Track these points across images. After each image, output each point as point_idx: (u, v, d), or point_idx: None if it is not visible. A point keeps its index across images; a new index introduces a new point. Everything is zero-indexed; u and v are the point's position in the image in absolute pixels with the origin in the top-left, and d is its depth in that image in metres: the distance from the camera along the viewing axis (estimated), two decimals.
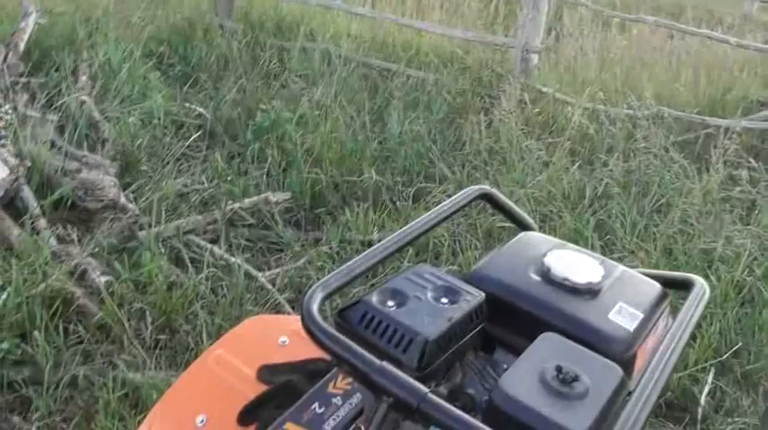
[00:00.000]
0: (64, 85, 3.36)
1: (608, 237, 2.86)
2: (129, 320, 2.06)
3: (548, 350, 0.79)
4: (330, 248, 2.60)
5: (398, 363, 0.77)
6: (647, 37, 5.38)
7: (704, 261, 2.53)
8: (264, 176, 3.12)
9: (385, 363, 0.72)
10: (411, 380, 0.70)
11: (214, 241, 2.57)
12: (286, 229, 2.76)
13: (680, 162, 3.37)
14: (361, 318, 0.83)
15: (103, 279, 2.13)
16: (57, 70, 3.62)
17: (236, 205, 2.71)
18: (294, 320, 1.30)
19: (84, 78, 3.55)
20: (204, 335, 2.05)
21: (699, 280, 0.94)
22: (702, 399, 2.07)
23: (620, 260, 2.64)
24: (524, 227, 1.16)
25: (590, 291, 0.92)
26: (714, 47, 4.88)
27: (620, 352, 0.84)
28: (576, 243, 2.72)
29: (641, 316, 0.89)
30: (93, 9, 4.41)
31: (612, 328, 0.86)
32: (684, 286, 0.95)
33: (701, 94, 4.42)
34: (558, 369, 0.74)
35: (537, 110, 3.93)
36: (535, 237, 1.09)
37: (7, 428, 1.79)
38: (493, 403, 0.73)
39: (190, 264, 2.39)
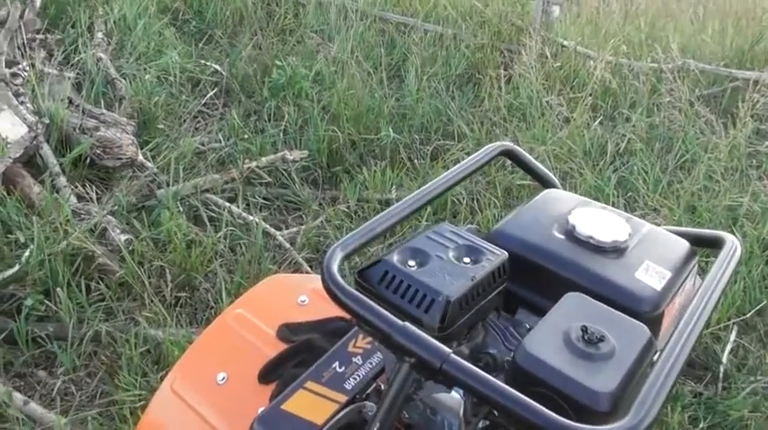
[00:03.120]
0: (80, 41, 3.33)
1: (630, 194, 2.81)
2: (149, 278, 2.08)
3: (573, 310, 0.77)
4: (348, 207, 2.59)
5: (420, 324, 0.75)
6: None
7: (729, 218, 2.48)
8: (281, 134, 3.09)
9: (407, 324, 0.71)
10: (433, 341, 0.69)
11: (232, 199, 2.57)
12: (303, 188, 2.75)
13: (706, 116, 3.28)
14: (381, 277, 0.82)
15: (123, 237, 2.14)
16: (73, 26, 3.58)
17: (254, 163, 2.70)
18: (313, 279, 1.30)
19: (99, 35, 3.51)
20: (224, 293, 2.06)
21: (730, 237, 0.91)
22: (725, 358, 2.05)
23: (642, 217, 2.61)
24: (547, 184, 1.13)
25: (616, 250, 0.89)
26: None
27: (647, 311, 0.82)
28: (598, 200, 2.70)
29: (669, 274, 0.87)
30: None
31: (639, 288, 0.84)
32: (715, 244, 0.92)
33: (728, 45, 4.27)
34: (584, 329, 0.73)
35: (558, 64, 3.82)
36: (559, 194, 1.06)
37: (33, 382, 1.84)
38: (516, 363, 0.72)
39: (208, 223, 2.39)
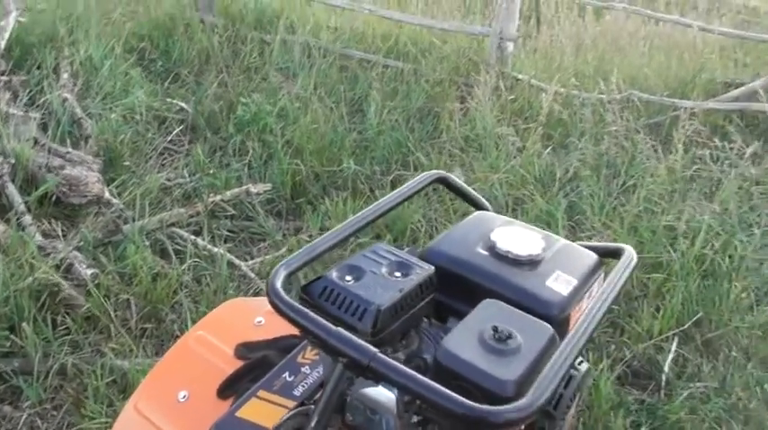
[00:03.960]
0: (46, 82, 3.41)
1: (578, 217, 2.96)
2: (115, 311, 2.14)
3: (487, 313, 0.88)
4: (310, 237, 2.69)
5: (355, 330, 0.86)
6: (621, 23, 5.50)
7: (668, 237, 2.65)
8: (246, 168, 3.19)
9: (339, 328, 0.81)
10: (362, 342, 0.80)
11: (197, 233, 2.65)
12: (267, 219, 2.84)
13: (648, 143, 3.49)
14: (321, 291, 0.92)
15: (89, 271, 2.20)
16: (38, 68, 3.65)
17: (218, 197, 2.79)
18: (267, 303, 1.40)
19: (65, 76, 3.59)
20: (189, 323, 2.13)
21: (628, 248, 1.04)
22: (666, 367, 2.18)
23: (588, 239, 2.76)
24: (479, 207, 1.25)
25: (531, 262, 1.01)
26: (687, 31, 5.00)
27: (556, 314, 0.94)
28: (548, 224, 2.85)
29: (576, 282, 0.99)
30: (73, 6, 4.43)
31: (549, 294, 0.96)
32: (616, 254, 1.04)
33: (671, 77, 4.54)
34: (495, 328, 0.84)
35: (512, 97, 4.02)
36: (486, 215, 1.18)
37: None
38: (437, 360, 0.83)
39: (174, 256, 2.46)
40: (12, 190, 2.56)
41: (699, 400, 2.02)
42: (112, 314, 2.10)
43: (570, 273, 1.00)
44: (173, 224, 2.63)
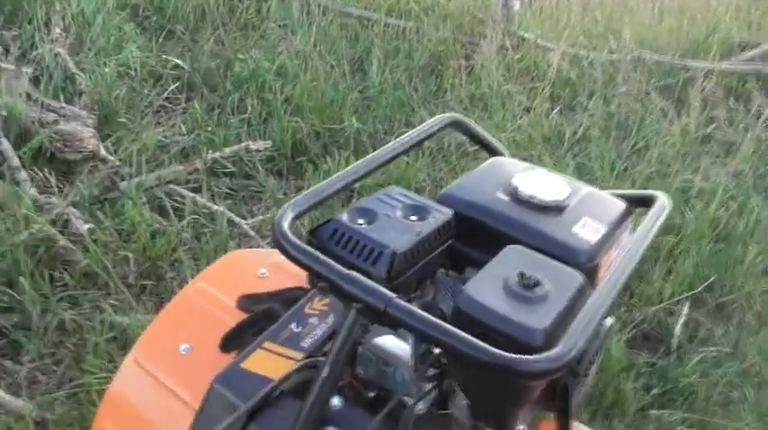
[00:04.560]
0: (37, 36, 3.29)
1: (587, 178, 2.89)
2: (114, 267, 2.08)
3: (512, 260, 0.82)
4: None
5: (368, 276, 0.79)
6: None
7: (681, 199, 2.58)
8: (245, 126, 3.10)
9: (352, 272, 0.75)
10: (378, 286, 0.73)
11: (196, 190, 2.57)
12: (267, 178, 2.77)
13: (660, 105, 3.40)
14: (331, 234, 0.85)
15: (86, 226, 2.13)
16: (29, 22, 3.52)
17: (217, 154, 2.71)
18: (273, 253, 1.33)
19: (57, 30, 3.46)
20: (189, 280, 2.07)
21: (660, 195, 0.97)
22: (677, 330, 2.14)
23: None
24: (495, 153, 1.18)
25: (556, 208, 0.95)
26: None
27: (583, 262, 0.88)
28: None
29: (604, 229, 0.93)
30: None
31: (576, 241, 0.90)
32: (647, 202, 0.98)
33: (683, 37, 4.42)
34: (521, 275, 0.77)
35: (518, 56, 3.91)
36: (505, 161, 1.11)
37: None
38: (458, 307, 0.77)
39: (172, 213, 2.40)
40: (5, 144, 2.47)
41: (711, 364, 1.99)
42: (111, 270, 2.04)
43: (598, 219, 0.94)
44: (171, 181, 2.56)
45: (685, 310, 2.24)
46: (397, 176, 2.70)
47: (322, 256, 0.77)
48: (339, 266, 0.75)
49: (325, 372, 0.77)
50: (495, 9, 4.32)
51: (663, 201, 0.96)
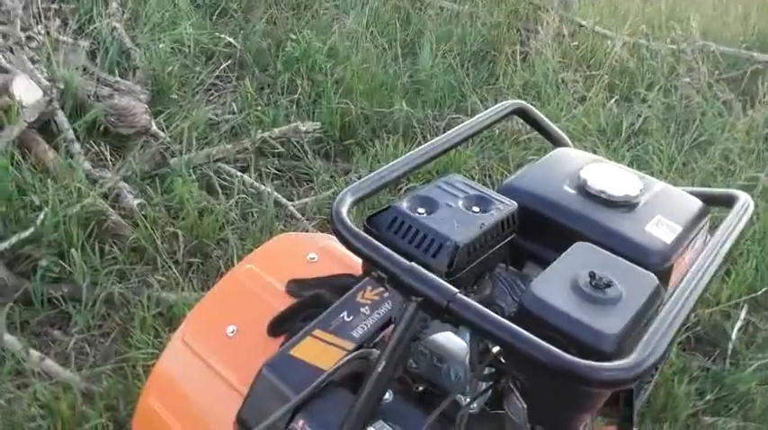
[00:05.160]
0: (95, 11, 3.33)
1: (644, 172, 2.77)
2: (162, 243, 2.10)
3: (581, 258, 0.77)
4: (359, 178, 2.59)
5: (428, 268, 0.76)
6: None
7: None
8: (294, 107, 3.08)
9: (414, 264, 0.71)
10: (441, 280, 0.70)
11: (244, 169, 2.58)
12: (315, 160, 2.75)
13: (724, 98, 3.24)
14: (390, 223, 0.82)
15: (136, 202, 2.16)
16: None
17: (266, 134, 2.70)
18: (323, 237, 1.31)
19: (114, 5, 3.50)
20: (235, 260, 2.07)
21: (743, 195, 0.91)
22: (733, 334, 2.04)
23: None
24: (559, 143, 1.12)
25: (627, 204, 0.89)
26: None
27: (656, 263, 0.82)
28: None
29: (679, 229, 0.86)
30: None
31: (649, 240, 0.84)
32: (728, 202, 0.91)
33: (750, 29, 4.20)
34: (592, 274, 0.73)
35: (575, 43, 3.78)
36: (571, 152, 1.06)
37: (48, 341, 1.87)
38: (523, 306, 0.72)
39: (220, 191, 2.40)
40: (61, 116, 2.51)
41: None
42: (159, 246, 2.06)
43: (673, 218, 0.88)
44: (220, 159, 2.57)
45: (743, 314, 2.13)
46: (445, 163, 2.64)
47: (383, 247, 0.73)
48: (401, 258, 0.72)
49: (380, 367, 0.74)
50: None
51: (745, 201, 0.89)
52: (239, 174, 2.50)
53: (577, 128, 3.01)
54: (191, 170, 2.43)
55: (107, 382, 1.69)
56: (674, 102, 3.28)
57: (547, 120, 1.13)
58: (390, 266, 0.72)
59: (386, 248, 0.73)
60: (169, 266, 2.04)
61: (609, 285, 0.72)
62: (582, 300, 0.71)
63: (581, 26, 3.98)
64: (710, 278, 0.75)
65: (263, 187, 2.44)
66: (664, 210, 0.89)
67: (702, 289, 0.73)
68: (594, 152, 2.85)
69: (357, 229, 0.76)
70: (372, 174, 0.85)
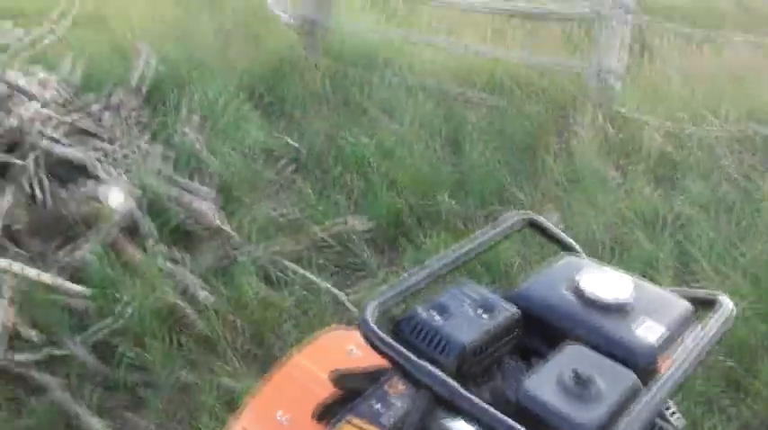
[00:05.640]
0: (172, 120, 3.76)
1: (686, 260, 2.83)
2: (226, 334, 2.31)
3: (568, 357, 0.91)
4: (404, 268, 2.77)
5: (439, 364, 0.92)
6: (739, 54, 5.20)
7: None
8: (347, 201, 3.34)
9: (423, 361, 0.88)
10: (446, 377, 0.86)
11: (301, 262, 2.81)
12: (366, 252, 2.96)
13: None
14: (412, 328, 0.99)
15: (204, 294, 2.40)
16: (167, 106, 4.04)
17: (321, 229, 2.95)
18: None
19: (189, 114, 3.94)
20: (292, 349, 2.25)
21: (724, 298, 1.03)
22: None
23: (699, 285, 2.61)
24: (569, 250, 1.28)
25: (619, 308, 1.03)
26: None
27: (642, 364, 0.95)
28: (651, 267, 2.74)
29: (666, 331, 0.99)
30: (198, 52, 4.88)
31: (636, 342, 0.97)
32: (709, 304, 1.03)
33: None
34: (575, 372, 0.87)
35: (615, 132, 3.93)
36: (575, 259, 1.21)
37: (123, 423, 2.08)
38: (518, 401, 0.87)
39: (280, 284, 2.63)
40: (143, 218, 2.84)
41: None
42: (224, 337, 2.28)
43: (660, 321, 1.01)
44: (279, 254, 2.81)
45: None
46: (488, 256, 2.78)
47: (399, 347, 0.91)
48: (413, 357, 0.89)
49: None
50: (590, 86, 4.37)
51: (726, 305, 1.02)
52: (297, 267, 2.73)
53: (618, 217, 3.11)
54: (253, 265, 2.67)
55: None
56: (719, 188, 3.34)
57: (556, 229, 1.29)
58: (404, 363, 0.89)
59: (402, 349, 0.90)
60: (232, 356, 2.24)
61: (590, 381, 0.86)
62: (566, 395, 0.85)
63: (620, 114, 4.14)
64: (683, 375, 0.88)
65: (318, 280, 2.65)
66: (652, 314, 1.02)
67: (674, 385, 0.86)
68: (636, 241, 2.94)
69: (380, 334, 0.93)
70: (394, 285, 1.04)
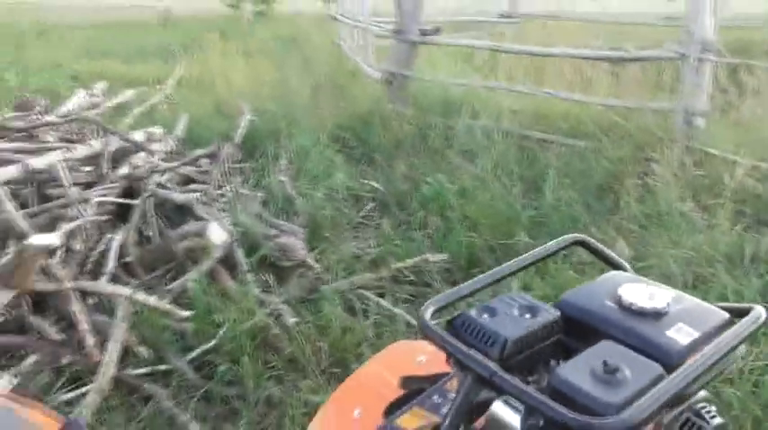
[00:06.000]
0: (268, 167, 4.14)
1: None
2: (311, 355, 2.52)
3: (601, 350, 1.02)
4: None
5: (486, 355, 1.05)
6: None
7: None
8: (426, 240, 3.52)
9: (470, 349, 1.02)
10: (487, 360, 0.99)
11: (381, 295, 2.99)
12: (443, 286, 3.10)
13: None
14: (462, 324, 1.14)
15: (292, 320, 2.63)
16: (263, 156, 4.44)
17: (400, 264, 3.13)
18: (428, 345, 1.63)
19: (282, 162, 4.31)
20: None
21: (759, 307, 1.10)
22: None
23: None
24: (618, 268, 1.38)
25: (655, 314, 1.13)
26: None
27: (672, 361, 1.04)
28: (735, 302, 2.69)
29: (697, 334, 1.08)
30: (291, 106, 5.33)
31: (667, 342, 1.06)
32: (745, 313, 1.11)
33: None
34: (605, 362, 0.98)
35: (699, 172, 3.89)
36: (621, 274, 1.31)
37: None
38: (551, 384, 0.99)
39: (360, 313, 2.82)
40: (239, 254, 3.15)
41: None
42: (309, 357, 2.48)
43: (694, 326, 1.09)
44: (361, 286, 3.01)
45: None
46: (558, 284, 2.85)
47: (451, 339, 1.06)
48: (461, 345, 1.03)
49: (446, 423, 1.03)
50: (676, 127, 4.36)
51: (758, 312, 1.09)
52: (376, 298, 2.92)
53: (699, 255, 3.08)
54: (337, 295, 2.89)
55: None
56: None
57: (605, 249, 1.40)
58: (454, 350, 1.03)
59: (453, 339, 1.05)
60: (316, 375, 2.43)
61: (617, 370, 0.97)
62: (594, 380, 0.96)
63: (707, 154, 4.09)
64: (706, 367, 0.97)
65: (395, 310, 2.82)
66: (687, 320, 1.11)
67: (697, 374, 0.95)
68: (718, 278, 2.90)
69: (435, 328, 1.09)
70: (448, 291, 1.19)
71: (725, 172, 3.85)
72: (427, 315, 1.12)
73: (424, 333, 1.10)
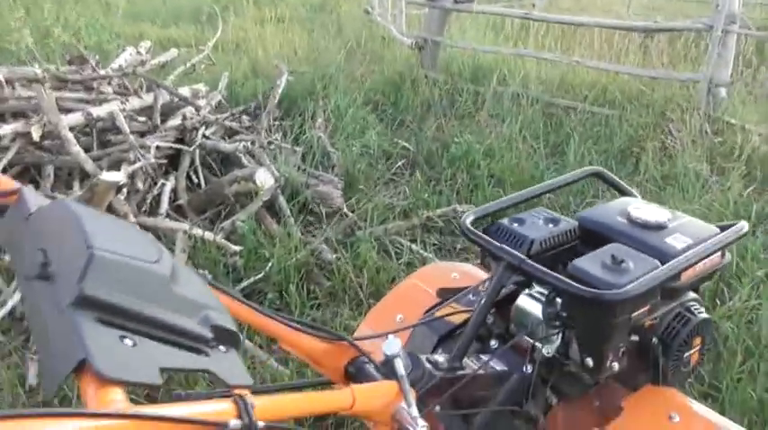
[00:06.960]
0: (306, 125, 4.38)
1: None
2: (348, 288, 2.79)
3: (611, 248, 1.26)
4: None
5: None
6: None
7: None
8: (455, 194, 3.75)
9: (503, 245, 1.26)
10: (517, 252, 1.24)
11: (412, 241, 3.24)
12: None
13: None
14: (496, 230, 1.38)
15: (332, 256, 2.90)
16: (300, 115, 4.68)
17: (430, 213, 3.37)
18: (462, 265, 1.88)
19: (320, 120, 4.55)
20: None
21: (743, 223, 1.33)
22: None
23: None
24: (631, 196, 1.60)
25: (657, 227, 1.36)
26: None
27: (668, 261, 1.27)
28: (742, 257, 2.89)
29: (691, 241, 1.31)
30: (327, 68, 5.54)
31: (665, 246, 1.30)
32: (730, 226, 1.34)
33: None
34: (612, 256, 1.22)
35: (718, 139, 4.05)
36: (632, 199, 1.54)
37: (268, 351, 2.59)
38: (569, 271, 1.23)
39: (393, 256, 3.08)
40: (282, 200, 3.41)
41: None
42: (348, 289, 2.76)
43: (689, 236, 1.32)
44: (394, 233, 3.26)
45: None
46: None
47: (486, 237, 1.30)
48: (494, 241, 1.28)
49: (481, 303, 1.28)
50: (700, 97, 4.50)
51: (742, 225, 1.32)
52: (408, 243, 3.17)
53: (712, 212, 3.27)
54: (372, 239, 3.14)
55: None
56: None
57: (619, 180, 1.63)
58: (489, 246, 1.28)
59: (486, 237, 1.30)
60: (354, 305, 2.70)
61: (622, 262, 1.20)
62: (603, 268, 1.20)
63: (729, 124, 4.24)
64: (692, 260, 1.20)
65: (425, 253, 3.07)
66: (684, 231, 1.34)
67: (685, 265, 1.19)
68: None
69: (473, 229, 1.33)
70: (485, 206, 1.43)
71: (741, 139, 4.02)
72: (468, 222, 1.36)
73: (465, 235, 1.34)
